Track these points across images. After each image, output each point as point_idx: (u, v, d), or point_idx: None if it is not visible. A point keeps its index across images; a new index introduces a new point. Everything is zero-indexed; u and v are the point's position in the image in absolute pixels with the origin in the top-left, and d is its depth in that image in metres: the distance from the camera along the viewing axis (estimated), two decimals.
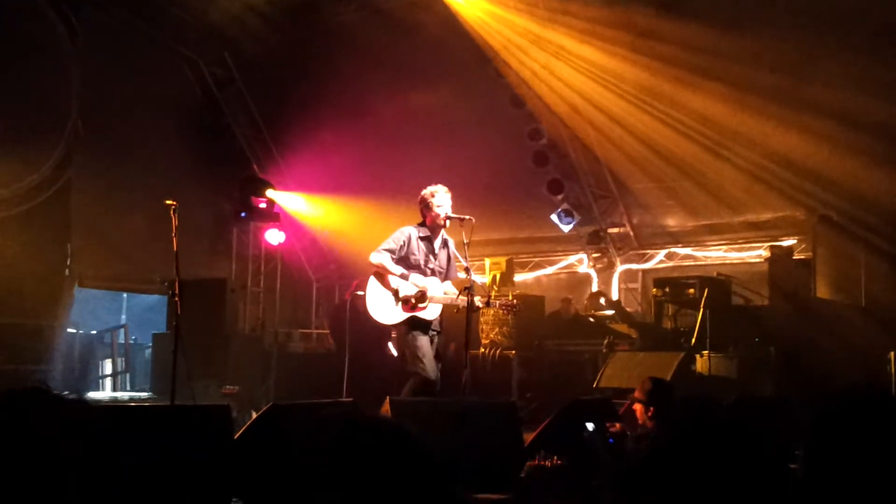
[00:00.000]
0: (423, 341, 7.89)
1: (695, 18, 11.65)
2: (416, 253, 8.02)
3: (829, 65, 11.05)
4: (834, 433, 2.03)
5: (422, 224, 8.14)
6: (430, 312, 7.93)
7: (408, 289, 7.89)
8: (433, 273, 8.06)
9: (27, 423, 1.84)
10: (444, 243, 8.20)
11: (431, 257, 8.08)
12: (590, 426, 6.64)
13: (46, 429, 1.85)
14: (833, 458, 1.99)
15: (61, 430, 1.86)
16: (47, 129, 13.35)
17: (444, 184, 8.16)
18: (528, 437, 6.87)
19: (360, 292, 8.86)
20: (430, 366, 7.81)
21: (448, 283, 8.16)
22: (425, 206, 8.05)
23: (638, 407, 6.38)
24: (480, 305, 8.00)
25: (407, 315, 7.88)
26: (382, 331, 8.23)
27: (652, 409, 6.24)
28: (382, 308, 7.95)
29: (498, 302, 8.40)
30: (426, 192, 8.06)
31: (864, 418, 2.02)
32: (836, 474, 1.98)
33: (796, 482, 2.00)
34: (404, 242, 8.00)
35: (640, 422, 6.35)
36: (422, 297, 7.87)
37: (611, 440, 6.28)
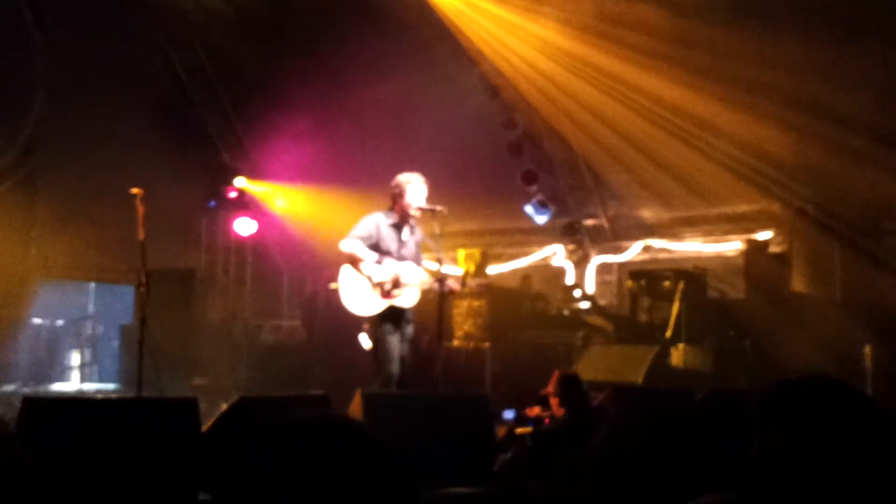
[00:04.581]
0: (392, 339, 7.68)
1: (669, 7, 11.57)
2: (387, 240, 7.80)
3: (805, 56, 11.01)
4: (772, 419, 2.07)
5: (390, 210, 7.91)
6: (408, 299, 7.75)
7: (382, 274, 7.68)
8: (405, 260, 7.88)
9: None
10: (412, 231, 7.98)
11: (401, 245, 7.87)
12: (509, 413, 7.71)
13: None
14: (773, 444, 2.03)
15: None
16: (12, 115, 13.09)
17: (417, 173, 7.95)
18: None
19: (333, 285, 8.65)
20: (395, 365, 7.64)
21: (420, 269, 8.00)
22: (398, 194, 7.79)
23: (552, 399, 7.04)
24: (456, 287, 7.82)
25: (385, 304, 7.67)
26: (354, 321, 8.04)
27: (557, 399, 6.97)
28: (358, 298, 7.73)
29: (474, 283, 8.35)
30: (402, 178, 7.79)
31: (803, 405, 2.05)
32: (776, 459, 2.03)
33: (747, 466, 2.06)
34: (374, 229, 7.78)
35: (555, 413, 7.03)
36: (396, 282, 7.69)
37: (531, 423, 7.04)
